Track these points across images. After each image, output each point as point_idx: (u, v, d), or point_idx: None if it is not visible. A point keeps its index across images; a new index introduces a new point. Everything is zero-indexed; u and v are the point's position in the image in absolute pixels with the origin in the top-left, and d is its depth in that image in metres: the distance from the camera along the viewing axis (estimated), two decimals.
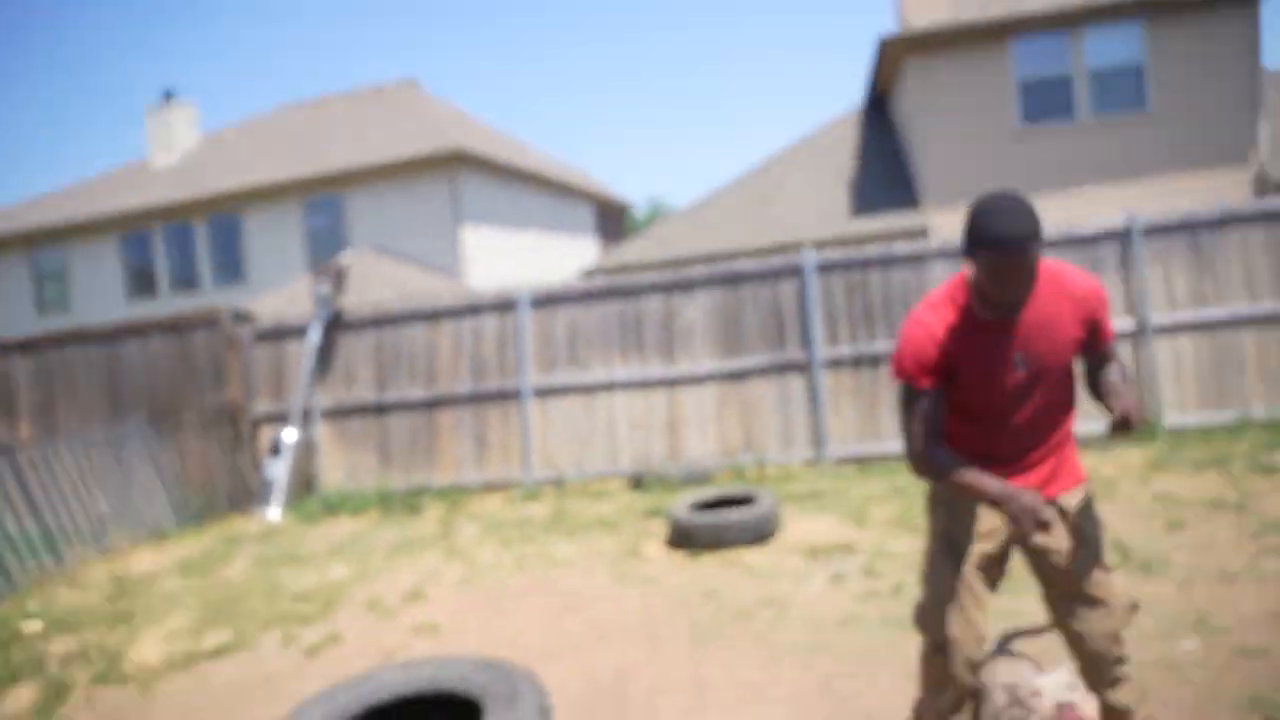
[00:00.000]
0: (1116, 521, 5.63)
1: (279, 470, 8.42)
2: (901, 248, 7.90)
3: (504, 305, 8.44)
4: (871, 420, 7.88)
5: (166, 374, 8.83)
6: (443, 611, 5.38)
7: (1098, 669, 2.77)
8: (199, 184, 16.69)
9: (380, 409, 8.69)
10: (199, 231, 16.74)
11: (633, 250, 14.45)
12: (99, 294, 17.20)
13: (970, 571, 2.81)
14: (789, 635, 4.55)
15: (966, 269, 2.66)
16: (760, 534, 5.87)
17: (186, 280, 16.88)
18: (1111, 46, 12.44)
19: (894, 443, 7.77)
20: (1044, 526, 2.52)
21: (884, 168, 14.46)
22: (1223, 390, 7.57)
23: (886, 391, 7.83)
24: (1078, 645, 2.79)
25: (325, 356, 8.80)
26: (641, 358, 8.13)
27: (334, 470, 8.78)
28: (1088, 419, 6.62)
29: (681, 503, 6.24)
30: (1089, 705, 2.75)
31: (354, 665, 4.69)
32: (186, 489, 8.46)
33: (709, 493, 6.47)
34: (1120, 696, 2.78)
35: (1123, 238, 7.67)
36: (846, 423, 7.91)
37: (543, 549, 6.28)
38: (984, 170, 12.52)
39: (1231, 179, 12.23)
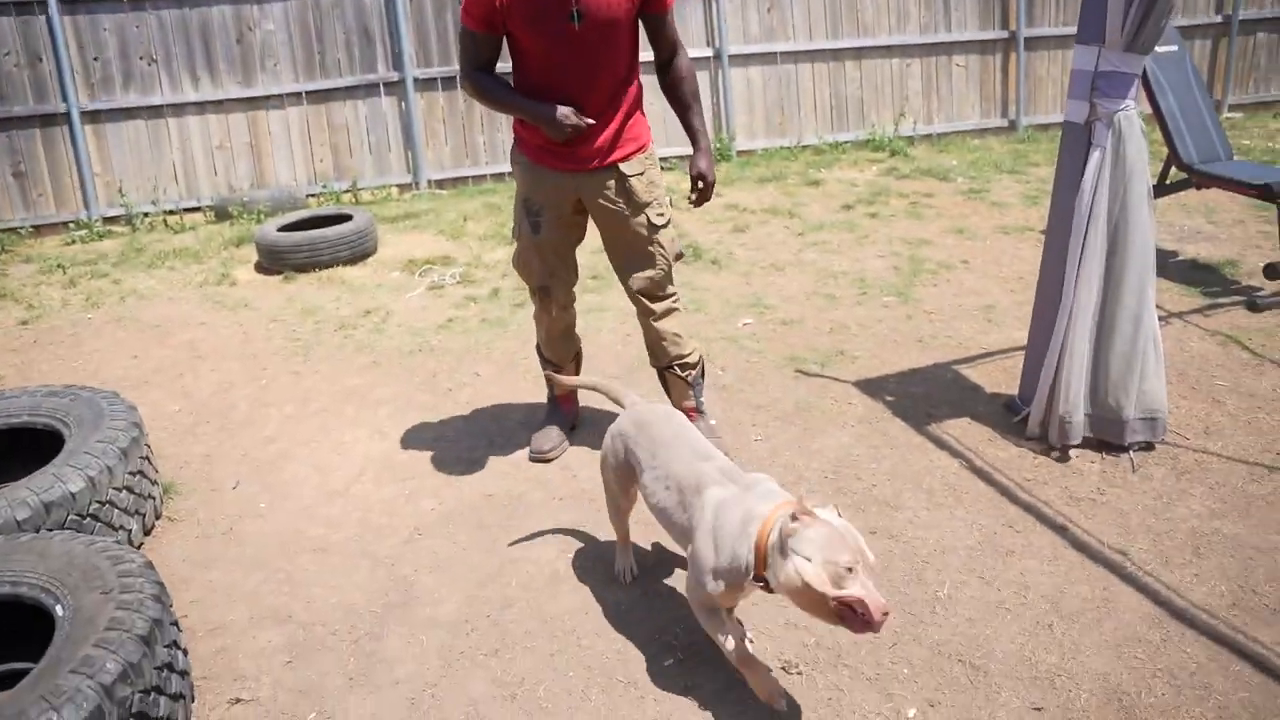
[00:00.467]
0: (692, 227, 6.34)
1: None
2: None
3: (25, 3, 6.97)
4: (468, 143, 7.89)
5: None
6: (4, 360, 4.81)
7: (648, 307, 3.37)
8: None
9: None
10: None
11: None
12: None
13: (549, 229, 3.28)
14: (392, 342, 4.70)
15: None
16: (358, 252, 5.82)
17: None
18: None
19: (490, 165, 7.89)
20: (575, 131, 2.98)
21: None
22: (784, 119, 8.52)
23: (481, 112, 7.82)
24: (630, 291, 3.36)
25: None
26: (214, 77, 7.31)
27: None
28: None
29: (271, 225, 5.94)
30: None
31: None
32: None
33: (301, 215, 6.20)
34: (667, 326, 3.42)
35: None
36: (441, 146, 7.86)
37: (119, 285, 5.75)
38: None
39: None
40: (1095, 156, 3.23)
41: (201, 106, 7.29)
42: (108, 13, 7.05)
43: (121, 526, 3.00)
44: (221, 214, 7.05)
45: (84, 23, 7.03)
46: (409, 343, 4.69)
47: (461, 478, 3.47)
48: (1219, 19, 9.50)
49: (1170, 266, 5.39)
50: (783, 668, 2.48)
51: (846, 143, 8.57)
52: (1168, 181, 5.54)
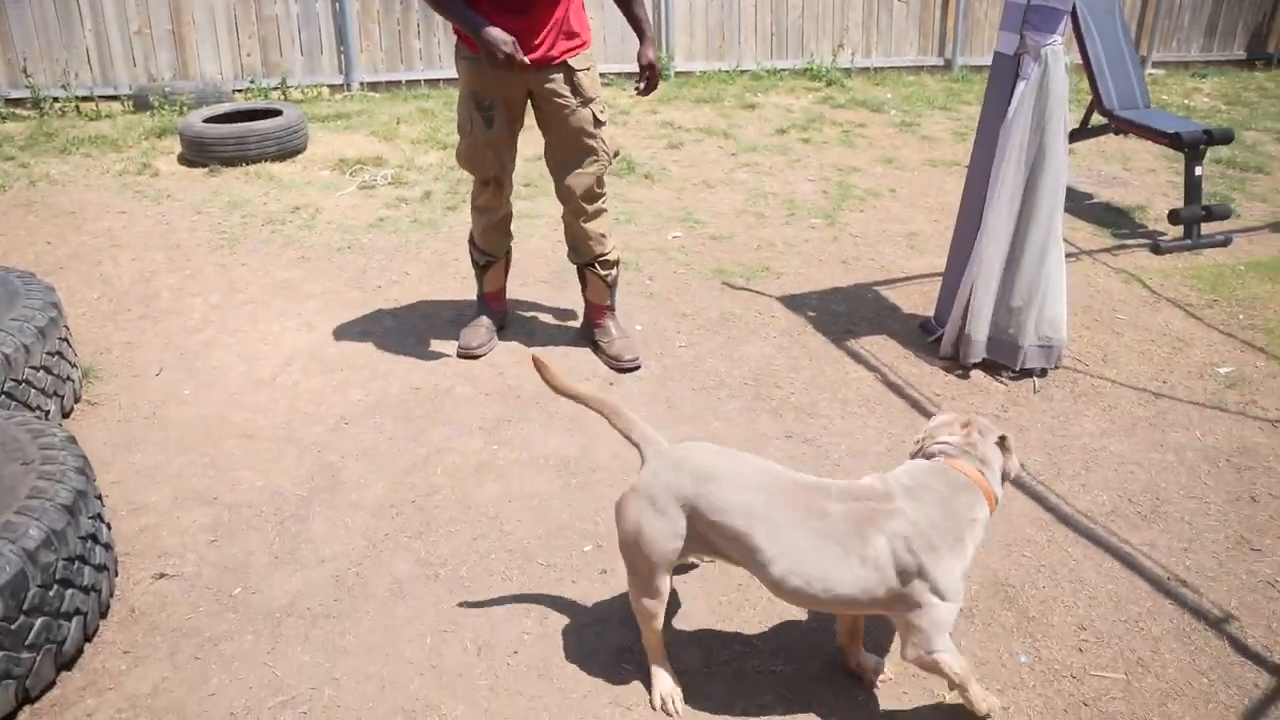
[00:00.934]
0: (628, 142, 6.34)
1: None
2: None
3: None
4: (403, 46, 7.69)
5: None
6: None
7: (583, 205, 3.43)
8: None
9: None
10: None
11: None
12: None
13: (500, 122, 3.30)
14: (321, 239, 4.65)
15: None
16: (287, 148, 5.69)
17: None
18: None
19: (425, 70, 7.72)
20: (509, 60, 2.99)
21: None
22: (725, 43, 8.47)
23: (417, 16, 7.62)
24: (569, 188, 3.39)
25: None
26: None
27: None
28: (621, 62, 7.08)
29: (196, 116, 5.75)
30: None
31: None
32: None
33: (228, 108, 6.02)
34: (595, 226, 3.49)
35: None
36: (375, 48, 7.64)
37: (27, 169, 5.52)
38: None
39: None
40: (1020, 88, 3.34)
41: None
42: None
43: (38, 407, 2.97)
44: (141, 104, 6.77)
45: None
46: (338, 240, 4.64)
47: (389, 371, 3.50)
48: None
49: (1086, 208, 5.60)
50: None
51: (785, 70, 8.59)
52: (1090, 125, 5.73)
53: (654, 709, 2.14)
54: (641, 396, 3.39)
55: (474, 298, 3.79)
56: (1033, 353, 3.58)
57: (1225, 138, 5.21)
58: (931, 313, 3.94)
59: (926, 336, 3.85)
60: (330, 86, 7.58)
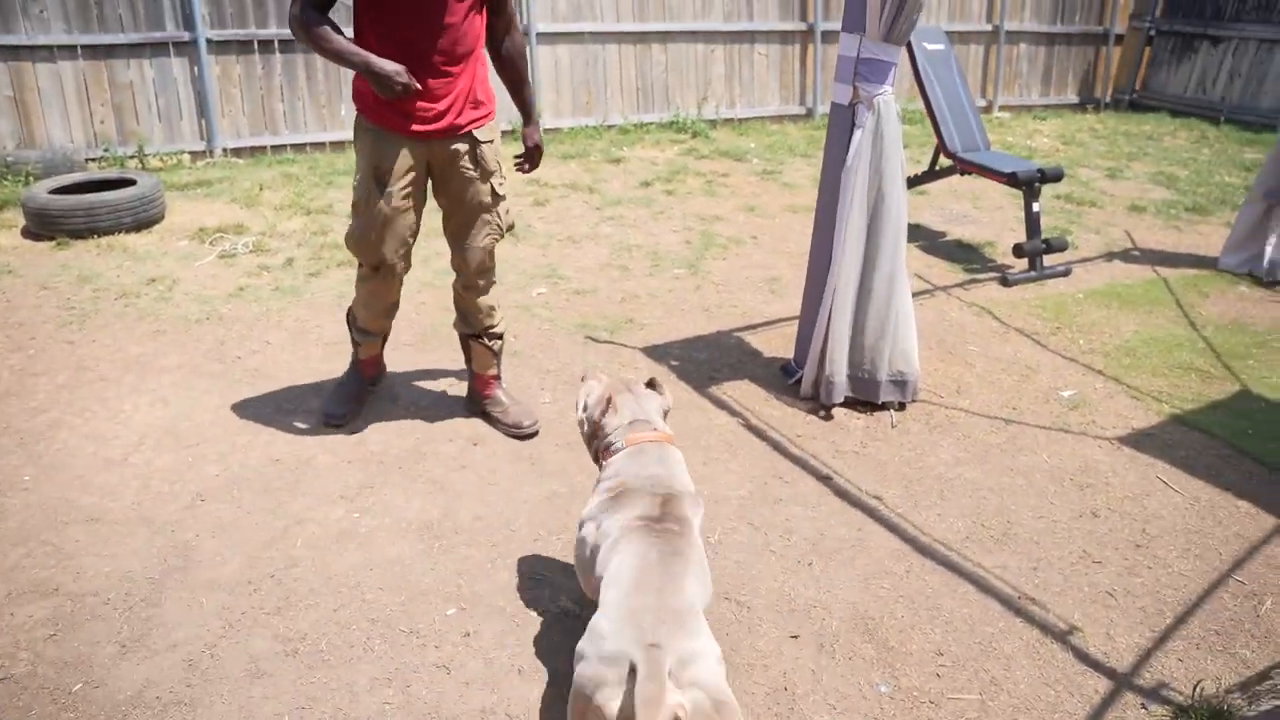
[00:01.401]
0: None
1: None
2: None
3: None
4: (266, 110, 7.58)
5: None
6: None
7: (475, 279, 3.38)
8: None
9: None
10: None
11: None
12: None
13: (401, 198, 3.16)
14: (178, 311, 4.51)
15: None
16: (143, 218, 5.51)
17: None
18: None
19: (289, 134, 7.62)
20: (404, 91, 2.90)
21: None
22: (591, 99, 8.63)
23: (281, 79, 7.53)
24: (462, 260, 3.34)
25: None
26: None
27: None
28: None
29: (41, 187, 5.53)
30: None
31: None
32: None
33: (78, 178, 5.81)
34: (486, 300, 3.46)
35: None
36: (238, 113, 7.51)
37: None
38: None
39: None
40: (857, 135, 3.52)
41: None
42: None
43: None
44: None
45: None
46: (196, 311, 4.51)
47: (248, 443, 3.40)
48: (989, 27, 10.36)
49: (939, 246, 5.89)
50: (562, 612, 2.61)
51: (651, 123, 8.80)
52: (936, 168, 6.05)
53: None
54: (505, 455, 3.38)
55: (339, 366, 3.72)
56: (889, 388, 3.73)
57: (1056, 175, 5.57)
58: (791, 355, 4.06)
59: (787, 379, 3.97)
60: (192, 153, 7.40)
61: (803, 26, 9.37)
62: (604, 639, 1.81)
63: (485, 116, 3.19)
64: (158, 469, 3.25)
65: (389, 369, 3.90)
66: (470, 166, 3.18)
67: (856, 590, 2.74)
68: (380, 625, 2.54)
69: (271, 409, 3.64)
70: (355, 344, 3.58)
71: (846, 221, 3.58)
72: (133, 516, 2.99)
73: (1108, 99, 11.27)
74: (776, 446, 3.50)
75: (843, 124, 3.59)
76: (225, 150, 7.47)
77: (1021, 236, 5.77)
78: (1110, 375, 4.14)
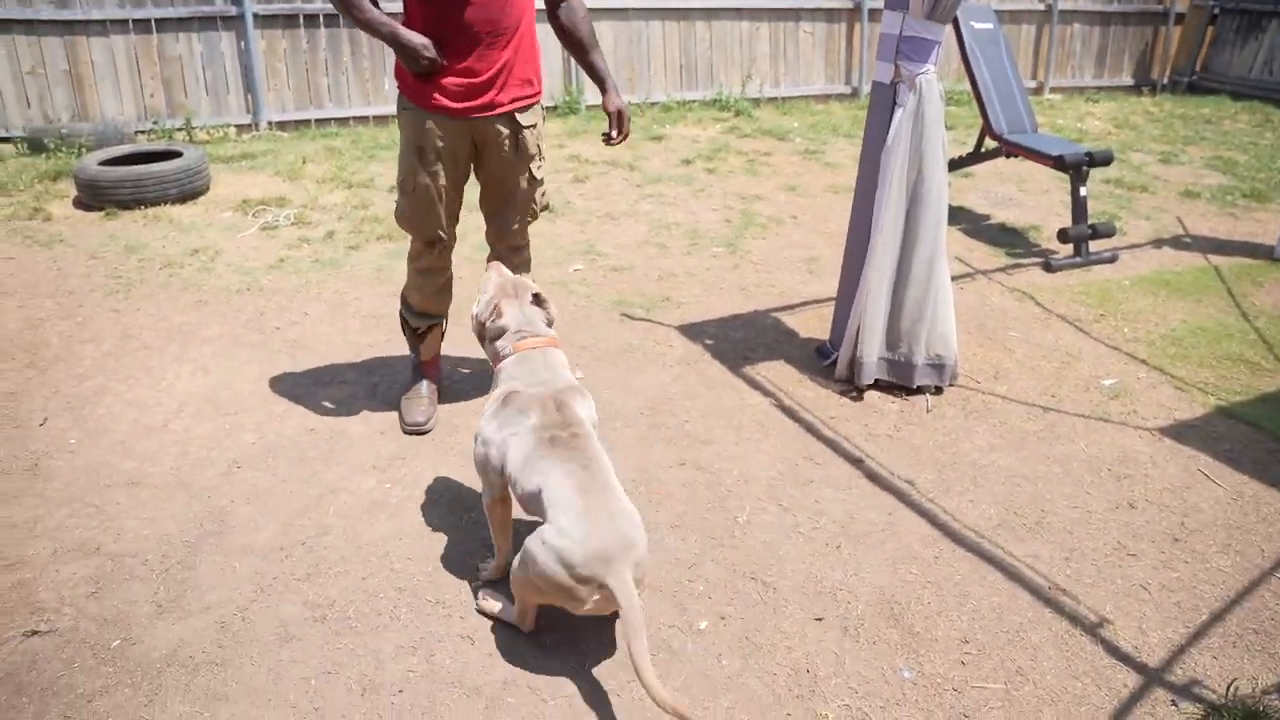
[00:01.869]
0: None
1: None
2: None
3: None
4: (311, 84, 7.65)
5: None
6: None
7: (510, 257, 3.34)
8: None
9: None
10: None
11: None
12: None
13: (447, 176, 3.13)
14: (220, 281, 4.58)
15: None
16: (188, 190, 5.60)
17: None
18: None
19: (333, 108, 7.69)
20: (431, 66, 2.91)
21: None
22: (634, 76, 8.60)
23: (325, 54, 7.59)
24: (497, 237, 3.32)
25: None
26: None
27: None
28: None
29: (91, 159, 5.64)
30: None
31: None
32: None
33: (127, 150, 5.91)
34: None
35: None
36: (283, 87, 7.59)
37: None
38: None
39: None
40: (898, 115, 3.46)
41: (6, 25, 6.75)
42: None
43: None
44: (36, 146, 6.61)
45: None
46: (238, 282, 4.58)
47: (285, 413, 3.45)
48: (1042, 6, 10.12)
49: (982, 229, 5.79)
50: None
51: (694, 101, 8.74)
52: (982, 150, 5.94)
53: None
54: None
55: (376, 338, 3.75)
56: (925, 371, 3.68)
57: (1105, 159, 5.44)
58: (827, 337, 4.02)
59: (822, 360, 3.94)
60: (238, 126, 7.50)
61: (849, 4, 9.23)
62: (576, 566, 2.19)
63: (529, 98, 3.11)
64: (197, 436, 3.31)
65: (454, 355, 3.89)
66: (510, 150, 3.12)
67: (884, 574, 2.72)
68: (407, 594, 2.58)
69: (309, 380, 3.68)
70: (414, 340, 3.49)
71: (884, 202, 3.53)
72: (171, 481, 3.05)
73: (1165, 81, 10.98)
74: (809, 428, 3.47)
75: (883, 103, 3.54)
76: (270, 123, 7.55)
77: (1067, 221, 5.66)
78: (1154, 365, 4.05)
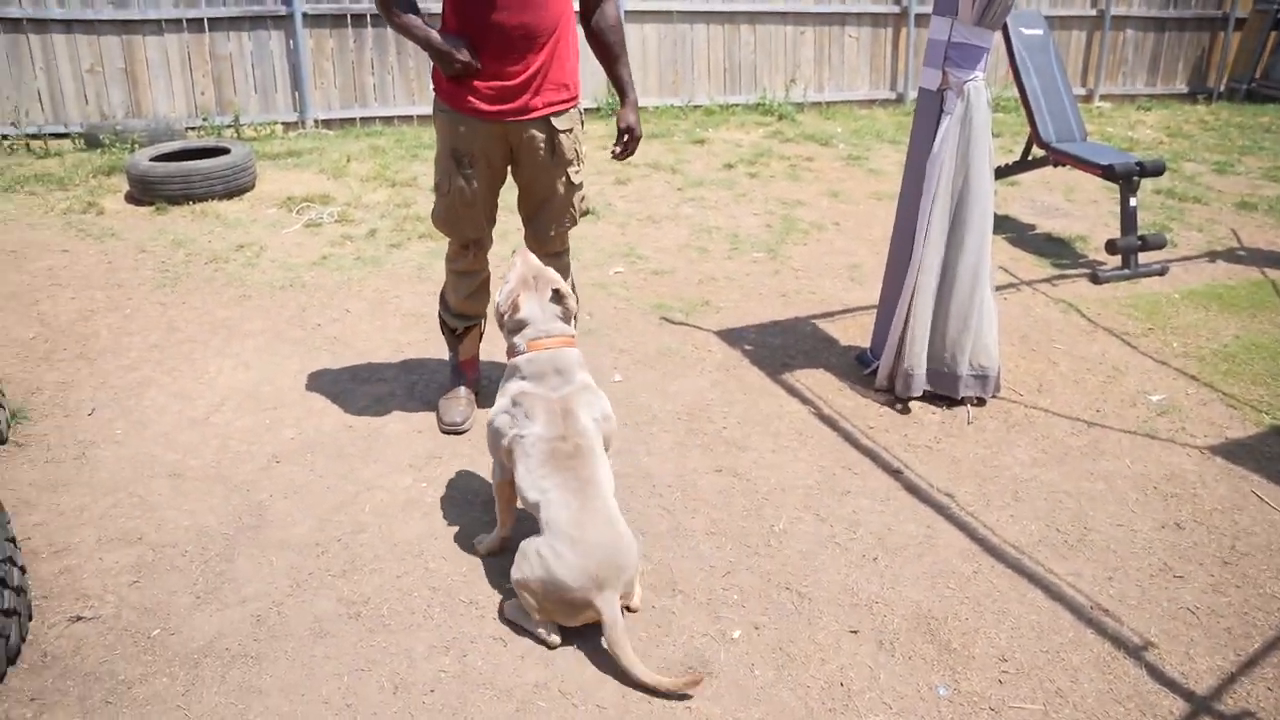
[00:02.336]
0: None
1: None
2: None
3: None
4: (357, 84, 7.72)
5: None
6: None
7: (548, 261, 3.24)
8: None
9: None
10: None
11: None
12: None
13: (482, 179, 3.14)
14: (264, 277, 4.64)
15: None
16: (234, 186, 5.68)
17: None
18: None
19: (378, 107, 7.76)
20: (464, 69, 2.93)
21: None
22: (678, 79, 8.58)
23: (372, 53, 7.66)
24: (534, 241, 3.30)
25: None
26: None
27: None
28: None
29: (143, 154, 5.74)
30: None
31: None
32: None
33: (176, 146, 6.00)
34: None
35: None
36: (330, 85, 7.67)
37: None
38: None
39: None
40: (945, 122, 3.41)
41: (69, 25, 6.91)
42: None
43: None
44: (92, 141, 6.75)
45: None
46: (281, 278, 4.63)
47: (324, 409, 3.48)
48: (1094, 12, 9.95)
49: (1027, 238, 5.71)
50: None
51: (737, 105, 8.71)
52: (1029, 158, 5.86)
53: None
54: None
55: (416, 337, 3.77)
56: (969, 382, 3.63)
57: (1157, 169, 5.33)
58: (868, 345, 3.98)
59: (862, 368, 3.89)
60: (285, 124, 7.59)
61: (895, 9, 9.14)
62: (570, 589, 2.34)
63: (565, 102, 3.09)
64: (237, 430, 3.35)
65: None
66: (546, 154, 3.10)
67: (921, 589, 2.68)
68: (441, 594, 2.58)
69: (348, 377, 3.71)
70: (452, 341, 3.50)
71: (930, 211, 3.48)
72: (211, 474, 3.09)
73: (1221, 88, 10.73)
74: (847, 437, 3.44)
75: (930, 110, 3.49)
76: (316, 121, 7.64)
77: (1115, 232, 5.55)
78: (1205, 381, 3.95)
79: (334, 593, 2.58)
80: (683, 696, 2.28)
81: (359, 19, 7.58)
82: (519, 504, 2.61)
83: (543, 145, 3.10)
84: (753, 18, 8.71)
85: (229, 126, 7.34)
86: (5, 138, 6.77)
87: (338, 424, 3.39)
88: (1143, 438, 3.51)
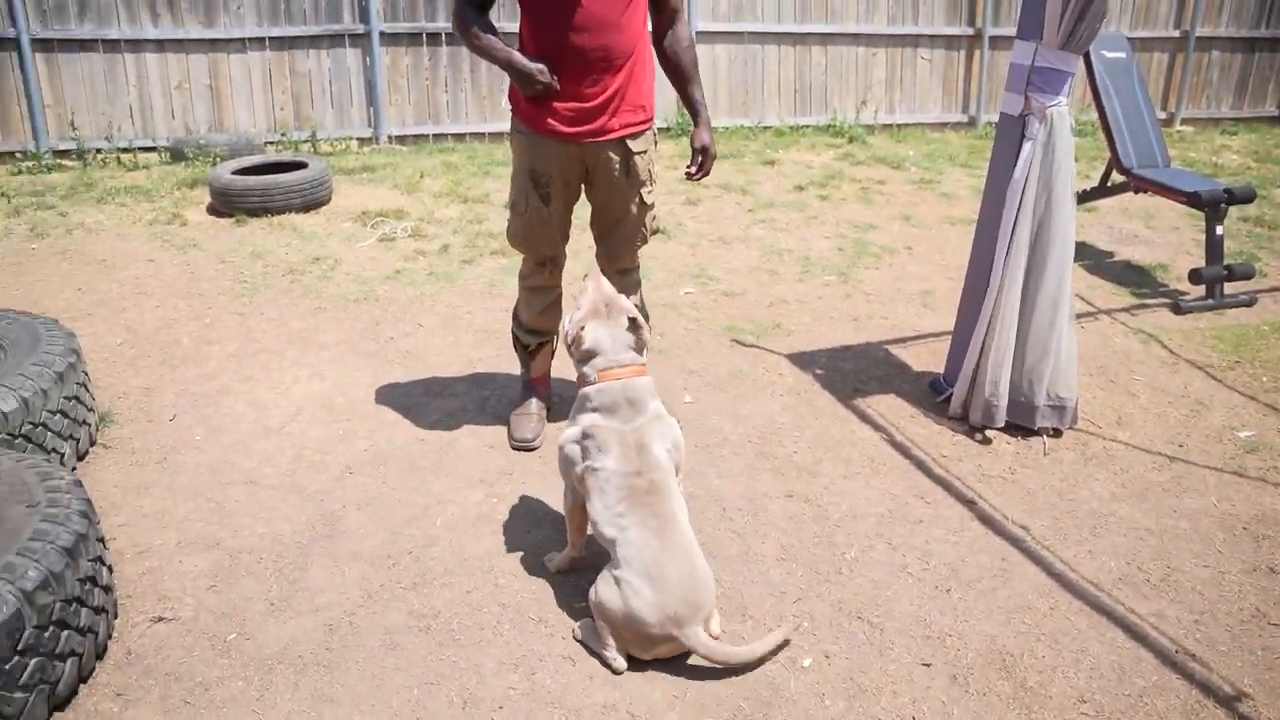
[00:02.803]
0: None
1: None
2: None
3: None
4: (431, 100, 7.87)
5: None
6: None
7: (619, 280, 3.32)
8: None
9: None
10: None
11: None
12: None
13: (558, 199, 3.18)
14: (338, 289, 4.73)
15: None
16: (311, 200, 5.82)
17: None
18: None
19: (450, 123, 7.89)
20: (545, 90, 2.94)
21: None
22: (748, 100, 8.58)
23: (445, 71, 7.80)
24: (606, 260, 3.34)
25: None
26: (174, 15, 7.20)
27: None
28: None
29: (225, 167, 5.91)
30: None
31: None
32: None
33: (258, 160, 6.17)
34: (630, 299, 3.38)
35: None
36: (404, 102, 7.83)
37: (66, 217, 5.69)
38: None
39: None
40: (1027, 148, 3.35)
41: (161, 45, 7.18)
42: None
43: (54, 449, 3.03)
44: (177, 155, 6.98)
45: None
46: (355, 291, 4.72)
47: (396, 421, 3.53)
48: (1177, 33, 9.72)
49: (1106, 266, 5.57)
50: None
51: (807, 126, 8.67)
52: (1109, 184, 5.72)
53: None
54: None
55: (488, 352, 3.81)
56: (1046, 413, 3.54)
57: (1247, 197, 5.17)
58: (941, 371, 3.91)
59: (935, 396, 3.83)
60: (359, 139, 7.76)
61: (970, 31, 9.04)
62: (649, 626, 2.34)
63: (641, 124, 3.11)
64: (311, 439, 3.41)
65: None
66: (620, 175, 3.13)
67: (996, 623, 2.61)
68: (511, 610, 2.59)
69: (420, 390, 3.76)
70: (524, 358, 3.52)
71: (1011, 237, 3.42)
72: (286, 483, 3.15)
73: None
74: (920, 465, 3.38)
75: (1011, 135, 3.43)
76: (390, 137, 7.80)
77: (1198, 260, 5.39)
78: None
79: (405, 605, 2.60)
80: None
81: (434, 37, 7.73)
82: (591, 532, 2.60)
83: (618, 166, 3.12)
84: (824, 39, 8.68)
85: (306, 141, 7.53)
86: (99, 151, 7.04)
87: (410, 437, 3.43)
88: (1230, 475, 3.39)
